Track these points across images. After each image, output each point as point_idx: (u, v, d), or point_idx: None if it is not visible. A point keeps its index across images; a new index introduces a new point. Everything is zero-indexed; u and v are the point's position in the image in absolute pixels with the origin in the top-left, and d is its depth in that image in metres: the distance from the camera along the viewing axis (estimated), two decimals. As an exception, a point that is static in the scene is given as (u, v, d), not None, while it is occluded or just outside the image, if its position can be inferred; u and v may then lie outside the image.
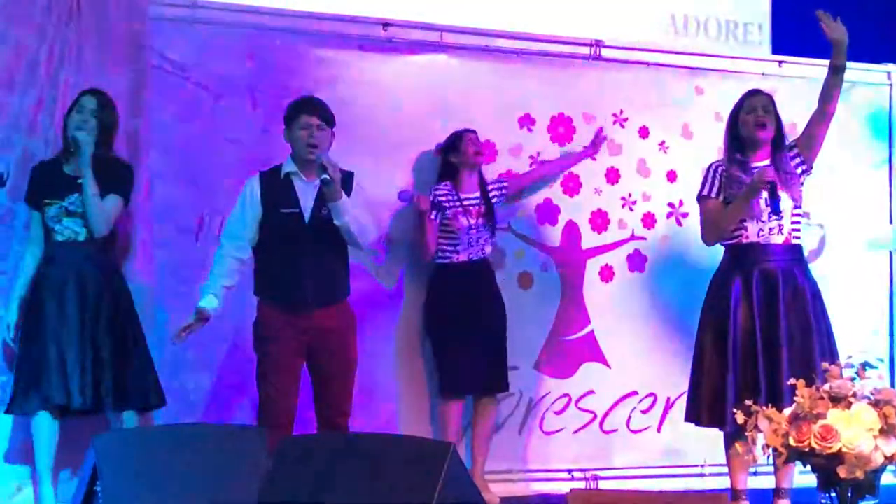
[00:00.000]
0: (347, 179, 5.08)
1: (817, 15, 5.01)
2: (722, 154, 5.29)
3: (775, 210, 4.94)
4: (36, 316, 5.00)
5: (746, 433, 3.69)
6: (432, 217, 5.78)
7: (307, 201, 5.07)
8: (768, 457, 3.66)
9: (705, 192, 5.16)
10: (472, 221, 5.83)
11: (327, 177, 4.87)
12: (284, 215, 5.05)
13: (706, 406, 5.08)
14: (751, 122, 5.06)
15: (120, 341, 5.07)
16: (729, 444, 5.07)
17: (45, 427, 5.03)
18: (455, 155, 5.90)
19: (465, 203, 5.86)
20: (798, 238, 5.14)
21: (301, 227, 5.05)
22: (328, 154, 5.01)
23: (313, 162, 5.01)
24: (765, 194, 4.95)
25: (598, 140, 6.30)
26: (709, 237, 5.20)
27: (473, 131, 5.91)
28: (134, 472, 3.56)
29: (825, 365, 3.76)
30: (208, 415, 5.56)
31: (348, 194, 5.02)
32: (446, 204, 5.85)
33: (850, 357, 3.69)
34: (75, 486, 4.70)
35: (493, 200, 5.91)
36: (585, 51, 6.46)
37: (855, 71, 6.82)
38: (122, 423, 5.07)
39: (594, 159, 6.34)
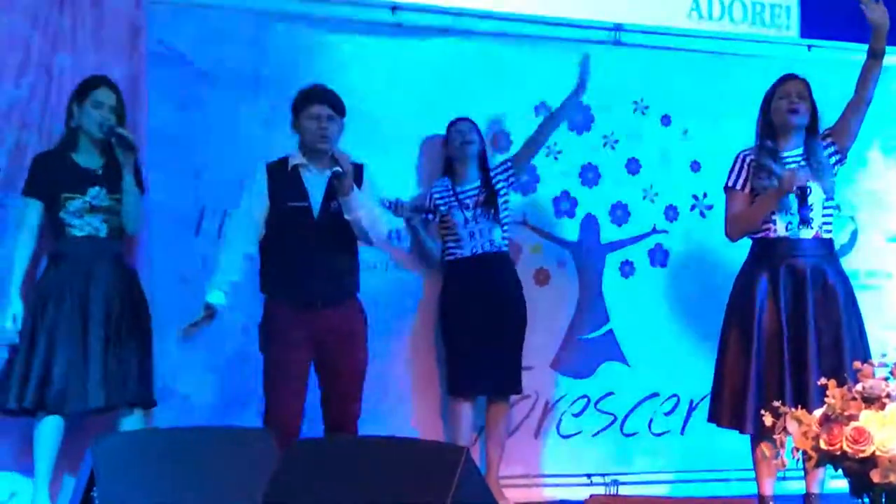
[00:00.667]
0: (358, 172, 5.06)
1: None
2: (753, 143, 5.26)
3: (804, 218, 4.93)
4: (51, 312, 5.01)
5: (774, 436, 3.69)
6: (417, 221, 5.92)
7: (316, 195, 5.06)
8: (798, 461, 3.65)
9: (732, 184, 5.16)
10: (469, 214, 5.84)
11: (339, 170, 4.86)
12: (292, 209, 5.04)
13: (727, 407, 5.09)
14: (784, 107, 5.06)
15: (141, 341, 5.14)
16: (755, 447, 5.06)
17: (50, 431, 5.05)
18: (447, 147, 5.96)
19: (461, 196, 5.89)
20: (829, 232, 5.13)
21: (310, 221, 5.04)
22: (338, 146, 5.03)
23: (323, 153, 5.02)
24: (793, 202, 4.95)
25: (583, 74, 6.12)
26: (732, 233, 5.21)
27: (465, 119, 5.93)
28: (133, 477, 3.58)
29: (857, 364, 3.76)
30: (214, 418, 5.57)
31: (359, 187, 5.01)
32: (440, 202, 5.90)
33: (884, 356, 3.69)
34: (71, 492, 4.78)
35: (500, 186, 5.89)
36: (604, 35, 6.48)
37: (888, 56, 6.83)
38: (133, 423, 5.11)
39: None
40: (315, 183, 5.08)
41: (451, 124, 5.93)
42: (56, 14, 5.49)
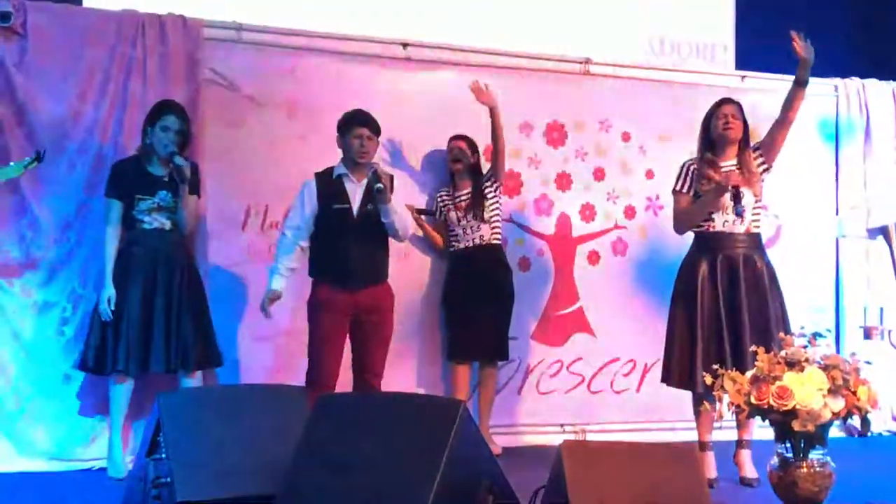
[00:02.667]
0: (391, 182, 5.14)
1: (792, 35, 4.95)
2: (694, 156, 5.25)
3: (738, 213, 4.92)
4: (123, 290, 5.02)
5: (714, 393, 3.69)
6: (423, 220, 5.93)
7: (356, 198, 5.12)
8: (732, 413, 3.65)
9: (678, 188, 5.15)
10: (461, 214, 5.82)
11: (381, 186, 4.94)
12: (336, 210, 5.10)
13: (677, 371, 5.06)
14: (720, 125, 5.04)
15: (194, 314, 5.12)
16: (697, 403, 5.05)
17: (121, 390, 5.08)
18: (447, 160, 5.94)
19: (457, 200, 5.87)
20: (758, 227, 5.12)
21: (350, 220, 5.11)
22: (377, 164, 5.12)
23: (362, 166, 5.10)
24: (730, 199, 4.93)
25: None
26: (680, 228, 5.17)
27: (459, 137, 5.89)
28: (191, 424, 3.59)
29: (781, 335, 3.76)
30: (261, 380, 5.55)
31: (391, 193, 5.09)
32: (441, 204, 5.90)
33: (802, 328, 3.69)
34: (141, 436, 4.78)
35: (488, 192, 5.83)
36: (576, 67, 6.44)
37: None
38: (191, 381, 5.11)
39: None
40: (354, 189, 5.14)
41: (450, 140, 5.91)
42: (130, 48, 5.48)
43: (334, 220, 5.10)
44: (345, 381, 5.20)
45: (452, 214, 5.84)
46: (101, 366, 5.01)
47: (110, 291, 5.01)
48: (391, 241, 5.26)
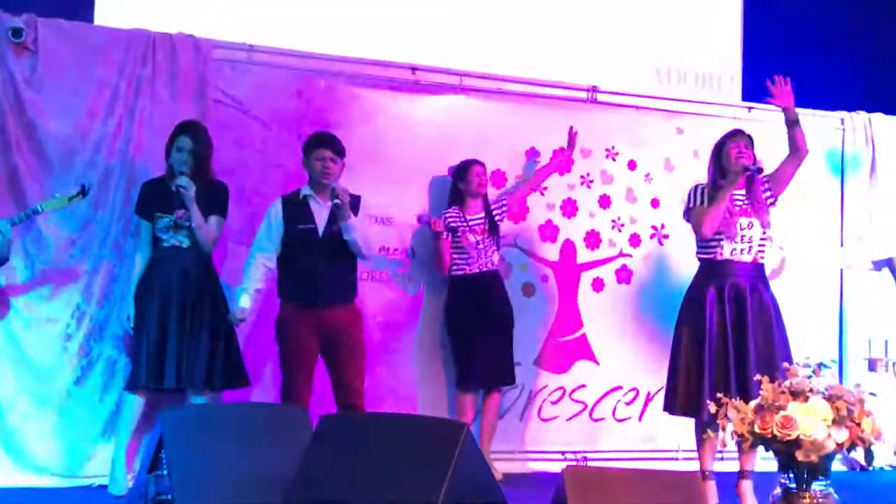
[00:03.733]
0: (356, 202, 5.18)
1: (768, 84, 5.01)
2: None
3: (752, 176, 4.94)
4: (143, 308, 5.05)
5: (718, 421, 3.67)
6: (445, 237, 5.80)
7: (321, 219, 5.17)
8: (737, 442, 3.63)
9: (692, 205, 5.09)
10: (478, 238, 5.82)
11: (338, 202, 5.00)
12: (302, 230, 5.15)
13: (682, 398, 5.03)
14: (733, 155, 5.03)
15: (213, 332, 5.11)
16: (699, 431, 5.03)
17: (131, 406, 5.09)
18: (462, 183, 5.90)
19: (471, 223, 5.85)
20: (763, 258, 5.11)
21: (316, 240, 5.15)
22: (339, 182, 5.13)
23: (326, 187, 5.13)
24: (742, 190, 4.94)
25: (570, 142, 6.19)
26: (705, 229, 4.98)
27: (481, 164, 5.89)
28: (193, 442, 3.57)
29: (786, 364, 3.75)
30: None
31: (356, 215, 5.13)
32: (454, 225, 5.86)
33: (807, 358, 3.68)
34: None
35: (497, 218, 5.88)
36: (583, 95, 6.48)
37: (813, 117, 6.85)
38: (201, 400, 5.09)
39: (563, 172, 6.27)
40: (320, 210, 5.19)
41: (470, 165, 5.87)
42: (139, 67, 5.52)
43: (300, 240, 5.14)
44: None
45: (470, 237, 5.82)
46: (128, 383, 5.09)
47: (129, 310, 5.09)
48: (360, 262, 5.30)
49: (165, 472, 3.50)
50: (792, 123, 5.05)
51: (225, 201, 5.24)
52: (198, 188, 5.05)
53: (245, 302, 5.10)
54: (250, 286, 5.13)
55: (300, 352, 5.13)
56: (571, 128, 6.17)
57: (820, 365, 3.62)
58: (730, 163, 5.01)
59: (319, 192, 5.19)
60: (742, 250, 4.99)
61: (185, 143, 5.11)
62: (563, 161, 6.22)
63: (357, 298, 5.34)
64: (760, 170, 4.99)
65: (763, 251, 5.09)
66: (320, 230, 5.15)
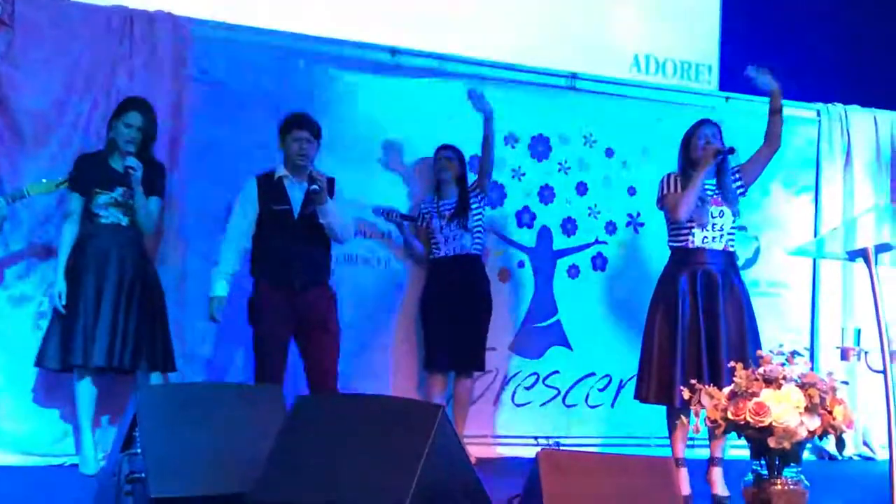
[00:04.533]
0: (330, 185, 5.16)
1: (748, 73, 5.03)
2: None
3: (725, 155, 4.95)
4: (76, 284, 4.97)
5: (691, 407, 3.69)
6: (405, 226, 5.89)
7: (296, 200, 5.14)
8: (710, 428, 3.65)
9: (666, 192, 5.09)
10: (443, 223, 5.81)
11: (316, 187, 4.98)
12: (277, 211, 5.11)
13: (655, 385, 5.05)
14: (700, 145, 5.05)
15: (148, 314, 5.06)
16: (671, 418, 5.06)
17: (85, 388, 5.04)
18: (433, 169, 5.93)
19: (441, 209, 5.84)
20: (733, 246, 5.12)
21: (291, 221, 5.12)
22: (314, 165, 5.11)
23: (302, 168, 5.11)
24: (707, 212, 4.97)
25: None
26: (681, 212, 4.97)
27: (449, 147, 5.88)
28: (167, 421, 3.56)
29: (760, 352, 3.77)
30: (230, 377, 5.56)
31: (331, 197, 5.11)
32: (424, 212, 5.88)
33: (781, 346, 3.70)
34: (114, 432, 4.74)
35: (473, 203, 5.83)
36: (563, 81, 6.48)
37: (789, 108, 6.86)
38: (148, 381, 5.05)
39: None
40: (295, 190, 5.15)
41: (437, 150, 5.89)
42: (116, 44, 5.48)
43: (275, 221, 5.11)
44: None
45: (435, 222, 5.83)
46: (56, 361, 4.96)
47: (60, 286, 4.97)
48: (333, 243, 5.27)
49: (139, 451, 3.48)
50: (774, 111, 5.06)
51: (164, 182, 5.20)
52: (142, 165, 5.01)
53: (222, 289, 5.07)
54: (227, 269, 5.10)
55: (274, 333, 5.09)
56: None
57: (793, 353, 3.65)
58: (697, 153, 5.03)
59: (295, 172, 5.16)
60: (713, 238, 5.01)
61: (135, 120, 5.04)
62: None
63: (331, 280, 5.31)
64: (732, 150, 5.00)
65: (733, 239, 5.11)
66: (295, 211, 5.13)
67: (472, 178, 5.97)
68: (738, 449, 5.31)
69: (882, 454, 6.71)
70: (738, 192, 5.11)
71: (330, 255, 5.28)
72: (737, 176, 5.13)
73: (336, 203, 5.15)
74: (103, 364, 4.93)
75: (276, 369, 5.06)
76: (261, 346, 5.13)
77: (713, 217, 5.01)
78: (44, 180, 4.95)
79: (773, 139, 5.09)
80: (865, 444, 6.79)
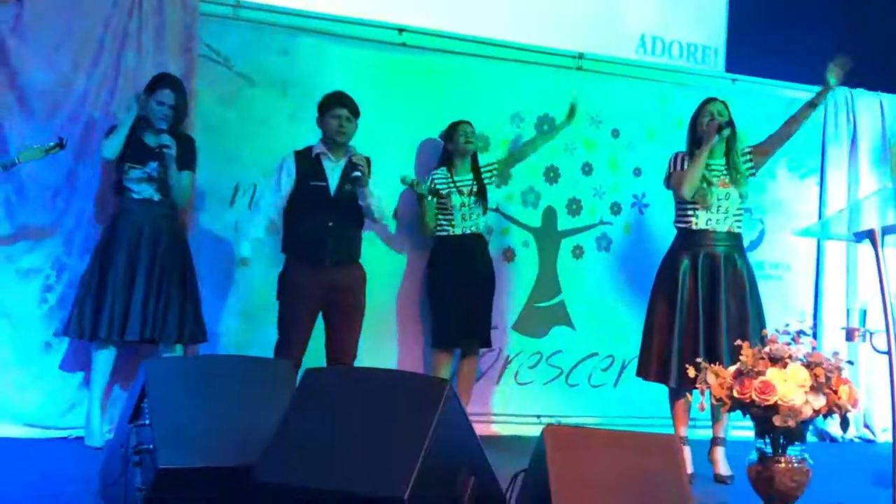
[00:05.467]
0: (368, 164, 5.17)
1: (832, 66, 5.10)
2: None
3: (721, 133, 4.97)
4: (109, 258, 5.01)
5: (696, 385, 3.71)
6: (429, 199, 5.76)
7: (333, 177, 5.16)
8: (717, 406, 3.67)
9: (672, 170, 5.12)
10: (464, 199, 5.81)
11: (358, 174, 5.03)
12: (313, 187, 5.13)
13: (654, 364, 5.09)
14: (706, 123, 5.05)
15: (181, 287, 5.10)
16: (673, 399, 5.09)
17: (103, 358, 5.07)
18: (451, 143, 5.88)
19: (458, 184, 5.83)
20: (739, 228, 5.14)
21: (327, 197, 5.14)
22: (353, 148, 5.17)
23: (340, 146, 5.14)
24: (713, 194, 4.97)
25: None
26: (684, 190, 5.00)
27: (467, 122, 5.87)
28: (176, 392, 3.58)
29: (765, 332, 3.79)
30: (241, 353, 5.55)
31: (369, 175, 5.13)
32: (441, 186, 5.83)
33: (787, 325, 3.71)
34: (123, 403, 4.77)
35: (486, 181, 5.87)
36: (570, 61, 6.46)
37: (796, 91, 6.87)
38: (171, 352, 5.10)
39: None
40: (332, 168, 5.18)
41: (457, 124, 5.84)
42: (125, 20, 5.46)
43: (311, 197, 5.13)
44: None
45: (455, 198, 5.80)
46: (83, 332, 4.99)
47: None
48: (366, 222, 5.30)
49: (147, 422, 3.50)
50: (814, 105, 5.10)
51: (195, 157, 5.22)
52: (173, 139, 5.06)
53: (245, 250, 5.11)
54: (251, 233, 5.15)
55: (301, 311, 5.12)
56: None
57: (799, 332, 3.66)
58: (702, 129, 5.05)
59: (333, 150, 5.18)
60: (717, 220, 5.02)
61: (167, 98, 5.09)
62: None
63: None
64: (731, 123, 4.99)
65: (739, 221, 5.12)
66: (332, 188, 5.15)
67: (483, 158, 5.97)
68: (739, 430, 5.33)
69: (883, 437, 6.73)
70: (749, 172, 5.11)
71: (361, 233, 5.31)
72: (748, 157, 5.13)
73: (374, 184, 5.20)
74: (137, 338, 4.98)
75: (296, 348, 5.08)
76: (284, 321, 5.15)
77: (719, 199, 5.02)
78: (34, 146, 4.93)
79: (795, 126, 5.10)
80: (866, 426, 6.81)
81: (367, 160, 5.16)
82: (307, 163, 5.17)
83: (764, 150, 5.16)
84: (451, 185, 5.82)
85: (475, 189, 5.81)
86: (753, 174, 5.17)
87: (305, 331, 5.15)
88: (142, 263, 5.01)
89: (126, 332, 4.96)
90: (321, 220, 5.09)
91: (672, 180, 5.11)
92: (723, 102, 5.16)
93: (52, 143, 4.92)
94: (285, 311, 5.15)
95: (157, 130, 5.04)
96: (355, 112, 5.22)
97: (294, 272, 5.14)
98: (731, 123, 5.02)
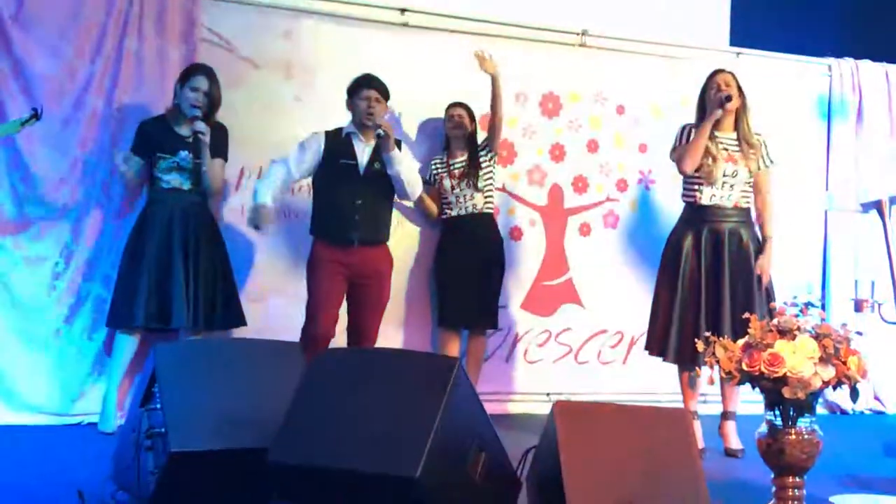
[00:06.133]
0: (397, 142, 5.20)
1: None
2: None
3: (722, 104, 4.94)
4: (142, 247, 5.04)
5: (706, 359, 3.71)
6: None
7: (363, 157, 5.19)
8: (726, 379, 3.66)
9: (678, 144, 5.11)
10: (454, 182, 5.81)
11: (382, 131, 5.04)
12: (343, 165, 5.15)
13: (656, 340, 5.12)
14: (713, 95, 5.04)
15: (214, 273, 5.14)
16: (682, 374, 5.10)
17: (127, 343, 5.10)
18: (445, 127, 5.92)
19: (452, 167, 5.85)
20: (748, 203, 5.13)
21: (356, 176, 5.16)
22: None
23: (370, 127, 5.15)
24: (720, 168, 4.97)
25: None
26: (685, 165, 5.02)
27: (460, 105, 5.88)
28: (187, 376, 3.58)
29: (773, 304, 3.78)
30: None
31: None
32: (435, 171, 5.88)
33: (795, 297, 3.71)
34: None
35: (482, 161, 5.83)
36: (573, 38, 6.44)
37: (802, 63, 6.85)
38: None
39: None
40: (362, 148, 5.21)
41: (449, 107, 5.89)
42: (126, 4, 5.47)
43: (340, 175, 5.14)
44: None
45: (446, 182, 5.83)
46: (127, 320, 5.03)
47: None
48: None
49: (158, 406, 3.51)
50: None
51: (227, 144, 5.27)
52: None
53: (265, 197, 5.09)
54: (272, 186, 5.14)
55: (330, 291, 5.13)
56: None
57: (808, 304, 3.66)
58: (709, 101, 5.04)
59: (362, 131, 5.21)
60: (723, 196, 5.01)
61: (201, 84, 5.13)
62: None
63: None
64: (730, 98, 4.97)
65: (747, 196, 5.11)
66: (362, 167, 5.17)
67: (482, 136, 5.96)
68: (749, 405, 5.33)
69: (893, 408, 6.74)
70: (761, 151, 5.08)
71: (391, 215, 5.33)
72: (763, 142, 5.09)
73: (406, 156, 5.24)
74: (182, 325, 5.01)
75: (325, 329, 5.09)
76: (314, 304, 5.15)
77: (725, 175, 5.00)
78: (10, 120, 4.92)
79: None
80: (877, 398, 6.81)
81: (396, 140, 5.18)
82: (337, 142, 5.20)
83: (758, 181, 5.15)
84: (445, 169, 5.85)
85: (465, 170, 5.80)
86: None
87: (334, 309, 5.16)
88: (176, 252, 5.04)
89: (172, 321, 4.98)
90: (350, 198, 5.11)
91: (675, 154, 5.11)
92: (731, 73, 5.14)
93: (27, 116, 4.80)
94: (314, 291, 5.15)
95: (191, 118, 5.07)
96: (385, 93, 5.23)
97: (322, 253, 5.15)
98: (741, 95, 5.01)
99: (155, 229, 5.05)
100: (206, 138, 5.06)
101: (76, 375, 5.31)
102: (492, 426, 3.45)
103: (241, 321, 5.23)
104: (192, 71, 5.17)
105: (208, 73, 5.18)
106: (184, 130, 5.15)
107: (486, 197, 5.85)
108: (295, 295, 5.47)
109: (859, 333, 3.63)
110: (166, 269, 5.01)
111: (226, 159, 5.27)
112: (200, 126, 5.05)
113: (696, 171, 5.02)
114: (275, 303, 5.65)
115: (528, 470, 3.59)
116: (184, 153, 5.10)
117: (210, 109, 5.16)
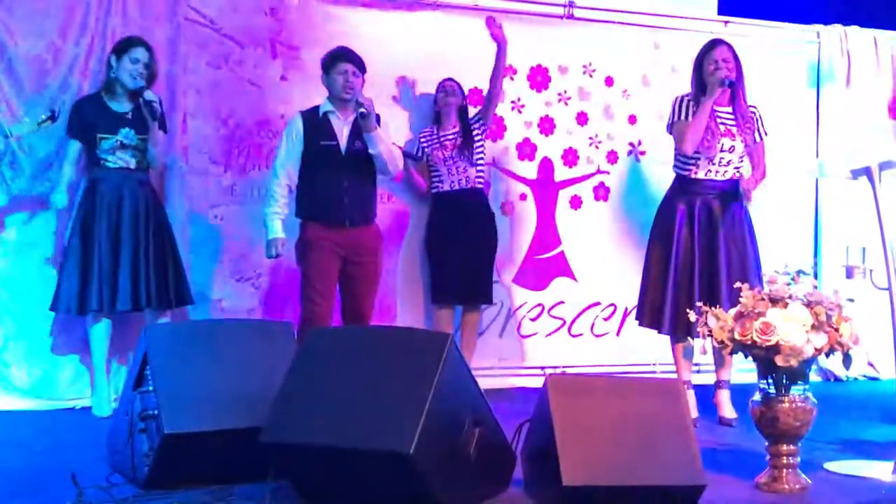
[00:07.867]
0: (377, 118, 5.07)
1: None
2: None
3: (728, 85, 4.90)
4: (90, 230, 5.00)
5: (698, 329, 3.71)
6: (406, 162, 5.71)
7: (343, 135, 5.07)
8: (719, 348, 3.67)
9: (675, 119, 5.04)
10: (447, 154, 5.78)
11: (364, 110, 4.89)
12: (323, 147, 5.04)
13: (648, 311, 5.10)
14: (711, 69, 4.99)
15: (161, 252, 5.10)
16: (675, 346, 5.10)
17: (99, 329, 5.08)
18: (436, 101, 5.89)
19: (442, 139, 5.81)
20: (740, 175, 5.10)
21: (338, 157, 5.05)
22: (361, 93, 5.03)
23: (348, 102, 5.03)
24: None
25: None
26: (687, 146, 4.94)
27: (451, 79, 5.85)
28: (178, 358, 3.58)
29: (763, 273, 3.79)
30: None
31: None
32: (425, 144, 5.84)
33: (786, 265, 3.71)
34: (125, 373, 4.80)
35: (475, 134, 5.80)
36: (560, 11, 6.39)
37: (790, 30, 6.83)
38: (162, 319, 5.12)
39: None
40: (341, 126, 5.09)
41: (440, 82, 5.85)
42: (112, -15, 5.43)
43: (322, 157, 5.03)
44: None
45: (438, 153, 5.80)
46: (74, 306, 5.00)
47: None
48: (379, 181, 5.23)
49: (150, 389, 3.51)
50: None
51: (165, 119, 5.20)
52: (137, 105, 5.03)
53: (280, 230, 5.03)
54: (281, 211, 5.06)
55: (324, 272, 5.04)
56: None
57: (799, 272, 3.66)
58: (708, 77, 4.98)
59: (340, 108, 5.08)
60: (717, 171, 4.99)
61: (141, 55, 5.05)
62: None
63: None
64: (732, 83, 4.94)
65: (740, 169, 5.07)
66: (343, 147, 5.06)
67: (471, 111, 5.94)
68: (742, 373, 5.34)
69: (887, 374, 6.76)
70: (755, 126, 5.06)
71: (376, 192, 5.25)
72: (757, 115, 5.06)
73: (387, 135, 5.15)
74: (129, 308, 4.98)
75: (325, 312, 5.01)
76: (310, 287, 5.06)
77: (722, 150, 4.96)
78: (26, 119, 4.95)
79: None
80: (870, 364, 6.83)
81: (376, 115, 5.03)
82: (315, 123, 5.07)
83: (753, 153, 5.13)
84: (435, 140, 5.81)
85: (459, 142, 5.77)
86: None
87: (331, 290, 5.08)
88: (125, 232, 5.01)
89: (117, 303, 4.96)
90: (335, 181, 5.01)
91: (675, 130, 5.05)
92: (728, 46, 5.04)
93: (44, 116, 4.92)
94: (308, 274, 5.06)
95: (134, 90, 5.00)
96: (361, 67, 5.09)
97: (312, 234, 5.06)
98: (731, 84, 4.95)
99: (104, 212, 5.00)
100: (159, 107, 4.99)
101: (69, 359, 5.31)
102: (486, 400, 3.45)
103: (190, 299, 5.22)
104: (131, 42, 5.09)
105: (144, 44, 5.10)
106: (122, 107, 5.07)
107: (478, 171, 5.83)
108: (285, 273, 5.45)
109: (851, 300, 3.63)
110: (116, 251, 4.98)
111: (166, 132, 5.22)
112: (151, 95, 4.98)
113: None
114: (261, 283, 5.63)
115: (523, 443, 3.61)
116: (125, 130, 5.04)
117: (149, 82, 5.08)
